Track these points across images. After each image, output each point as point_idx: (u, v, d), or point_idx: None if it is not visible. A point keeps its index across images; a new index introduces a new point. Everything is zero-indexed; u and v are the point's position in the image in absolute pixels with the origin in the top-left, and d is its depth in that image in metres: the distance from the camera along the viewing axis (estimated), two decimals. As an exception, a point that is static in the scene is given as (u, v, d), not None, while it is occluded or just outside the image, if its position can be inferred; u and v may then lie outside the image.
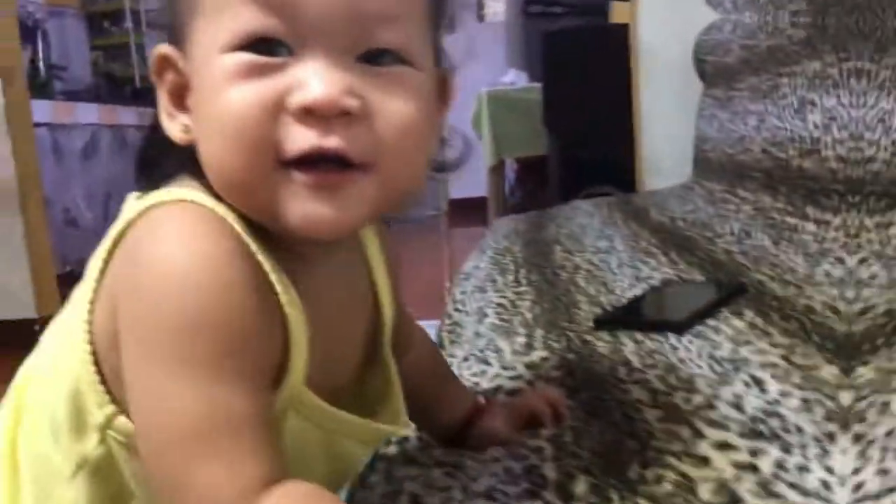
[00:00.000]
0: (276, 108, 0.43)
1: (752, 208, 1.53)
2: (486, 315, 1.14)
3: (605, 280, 1.20)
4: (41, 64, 4.19)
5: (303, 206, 0.44)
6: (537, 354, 0.86)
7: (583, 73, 3.27)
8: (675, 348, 0.84)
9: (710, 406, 0.67)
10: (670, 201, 1.94)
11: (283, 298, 0.45)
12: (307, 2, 0.43)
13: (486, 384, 0.81)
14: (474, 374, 0.83)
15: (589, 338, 0.91)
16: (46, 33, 4.26)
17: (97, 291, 0.48)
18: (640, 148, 2.57)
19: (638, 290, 1.11)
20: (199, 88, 0.46)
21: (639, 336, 0.89)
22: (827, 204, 1.27)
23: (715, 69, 2.15)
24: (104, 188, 4.50)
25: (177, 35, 0.49)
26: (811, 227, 1.28)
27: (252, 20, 0.43)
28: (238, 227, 0.45)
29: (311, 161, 0.44)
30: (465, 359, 0.89)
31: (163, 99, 0.49)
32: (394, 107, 0.45)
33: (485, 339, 0.99)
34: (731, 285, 1.04)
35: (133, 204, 0.49)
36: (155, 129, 0.51)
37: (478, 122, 3.85)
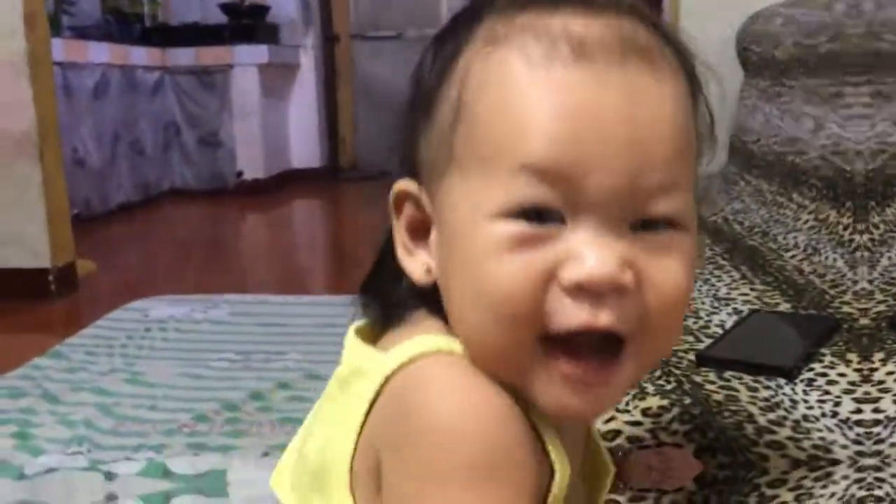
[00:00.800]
0: (547, 282, 0.42)
1: (814, 219, 1.53)
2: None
3: (685, 298, 1.20)
4: (50, -3, 4.08)
5: (559, 394, 0.44)
6: (653, 401, 0.87)
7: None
8: (793, 402, 0.84)
9: (859, 482, 0.68)
10: (713, 195, 1.94)
11: (553, 454, 0.45)
12: (589, 175, 0.41)
13: (604, 426, 0.81)
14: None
15: (698, 379, 0.91)
16: (54, -34, 4.15)
17: (361, 435, 0.47)
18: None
19: (723, 316, 1.12)
20: (458, 250, 0.45)
21: (747, 380, 0.90)
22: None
23: (761, 60, 2.13)
24: (113, 129, 4.44)
25: (418, 169, 0.48)
26: (887, 250, 1.28)
27: (528, 190, 0.42)
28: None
29: (577, 339, 0.43)
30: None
31: (400, 233, 0.48)
32: (665, 277, 0.44)
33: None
34: (825, 321, 1.04)
35: (364, 349, 0.49)
36: (384, 256, 0.51)
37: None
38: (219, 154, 5.10)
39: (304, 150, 5.72)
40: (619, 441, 0.79)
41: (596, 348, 0.43)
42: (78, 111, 4.02)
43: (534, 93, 0.42)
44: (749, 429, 0.79)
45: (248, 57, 4.97)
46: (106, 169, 4.35)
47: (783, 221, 1.59)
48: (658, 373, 0.94)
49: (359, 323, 0.52)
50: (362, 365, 0.48)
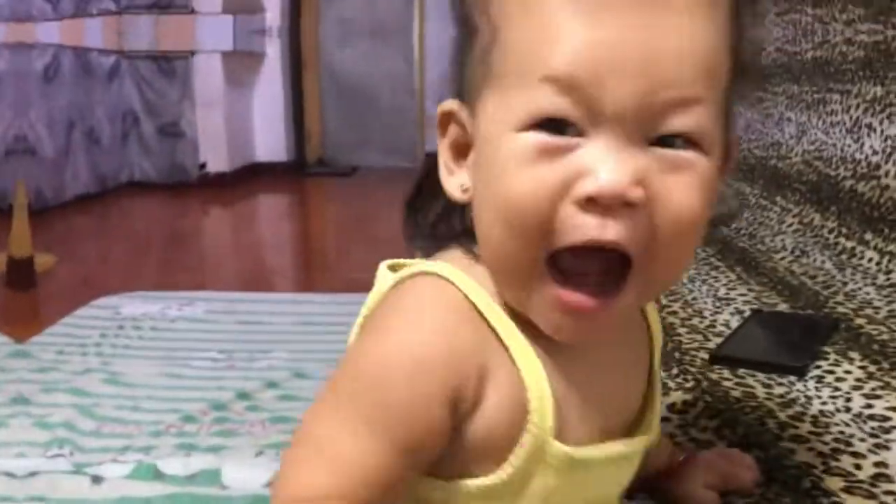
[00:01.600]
0: (561, 195, 0.43)
1: (799, 223, 1.58)
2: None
3: (686, 297, 1.24)
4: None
5: (556, 318, 0.46)
6: (677, 396, 0.90)
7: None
8: (808, 398, 0.88)
9: (886, 477, 0.72)
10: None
11: (521, 362, 0.48)
12: (607, 87, 0.42)
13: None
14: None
15: (714, 377, 0.95)
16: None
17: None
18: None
19: (726, 315, 1.16)
20: (486, 161, 0.47)
21: (761, 377, 0.93)
22: (891, 235, 1.33)
23: (739, 65, 2.19)
24: (67, 116, 4.33)
25: (464, 92, 0.50)
26: (872, 254, 1.33)
27: (548, 101, 0.43)
28: (485, 298, 0.48)
29: (583, 265, 0.45)
30: None
31: (444, 153, 0.51)
32: (678, 197, 0.44)
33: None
34: (825, 321, 1.09)
35: (386, 274, 0.54)
36: (427, 176, 0.54)
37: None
38: (180, 145, 5.00)
39: (270, 142, 5.65)
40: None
41: (600, 277, 0.45)
42: (27, 96, 3.91)
43: (558, 8, 0.43)
44: (771, 424, 0.82)
45: (211, 43, 4.89)
46: (60, 158, 4.23)
47: (769, 224, 1.64)
48: (675, 370, 0.97)
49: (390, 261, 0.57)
50: (378, 284, 0.54)
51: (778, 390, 0.90)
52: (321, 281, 3.23)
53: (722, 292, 1.25)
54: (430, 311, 0.48)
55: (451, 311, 0.48)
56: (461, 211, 0.53)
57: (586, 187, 0.43)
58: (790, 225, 1.59)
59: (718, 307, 1.19)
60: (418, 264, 0.52)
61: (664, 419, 0.85)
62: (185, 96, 4.92)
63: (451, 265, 0.50)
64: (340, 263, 3.57)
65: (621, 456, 0.53)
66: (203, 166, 5.02)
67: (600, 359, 0.51)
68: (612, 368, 0.53)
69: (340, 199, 5.10)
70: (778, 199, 1.71)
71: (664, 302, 1.23)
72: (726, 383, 0.92)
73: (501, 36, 0.45)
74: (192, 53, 4.89)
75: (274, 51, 5.55)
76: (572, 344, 0.48)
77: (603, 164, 0.42)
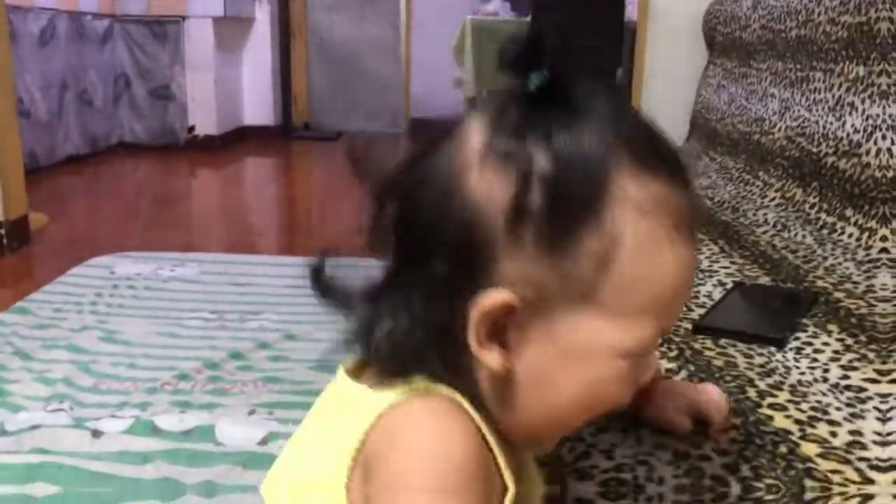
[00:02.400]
0: None
1: (781, 197, 1.62)
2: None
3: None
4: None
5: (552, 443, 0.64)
6: (661, 364, 0.94)
7: (573, 12, 3.30)
8: (787, 368, 0.93)
9: (860, 445, 0.76)
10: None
11: (506, 476, 0.55)
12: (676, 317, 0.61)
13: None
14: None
15: (697, 346, 0.99)
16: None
17: (356, 460, 0.55)
18: (637, 105, 2.64)
19: (709, 287, 1.20)
20: (579, 367, 0.54)
21: (742, 347, 0.98)
22: (870, 211, 1.37)
23: (728, 41, 2.22)
24: (61, 78, 4.34)
25: (498, 278, 0.52)
26: (852, 230, 1.38)
27: (652, 339, 0.54)
28: (483, 425, 0.55)
29: None
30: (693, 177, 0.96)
31: (480, 328, 0.53)
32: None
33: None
34: (804, 294, 1.13)
35: (376, 396, 0.56)
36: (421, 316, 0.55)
37: (459, 52, 3.85)
38: (170, 108, 5.02)
39: (258, 106, 5.66)
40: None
41: None
42: (23, 59, 3.92)
43: (670, 266, 0.53)
44: (751, 392, 0.86)
45: (202, 9, 4.88)
46: (53, 120, 4.26)
47: (751, 198, 1.68)
48: (659, 339, 1.02)
49: (347, 362, 0.60)
50: (357, 398, 0.57)
51: (758, 360, 0.94)
52: (305, 243, 3.27)
53: (705, 265, 1.29)
54: (460, 429, 0.53)
55: (471, 429, 0.54)
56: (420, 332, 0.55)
57: (647, 377, 0.59)
58: (772, 199, 1.63)
59: (702, 279, 1.23)
60: (417, 384, 0.55)
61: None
62: (176, 60, 4.93)
63: (447, 388, 0.55)
64: (325, 226, 3.61)
65: None
66: (192, 129, 5.03)
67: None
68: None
69: (325, 163, 5.12)
70: (761, 173, 1.75)
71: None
72: (708, 353, 0.97)
73: (621, 272, 0.51)
74: (184, 18, 4.89)
75: (264, 16, 5.54)
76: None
77: (655, 360, 0.62)
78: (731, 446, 0.76)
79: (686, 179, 0.53)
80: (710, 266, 1.29)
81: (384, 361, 0.56)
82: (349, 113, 6.14)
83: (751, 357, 0.95)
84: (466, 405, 0.54)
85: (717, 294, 1.16)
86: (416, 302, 0.53)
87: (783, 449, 0.76)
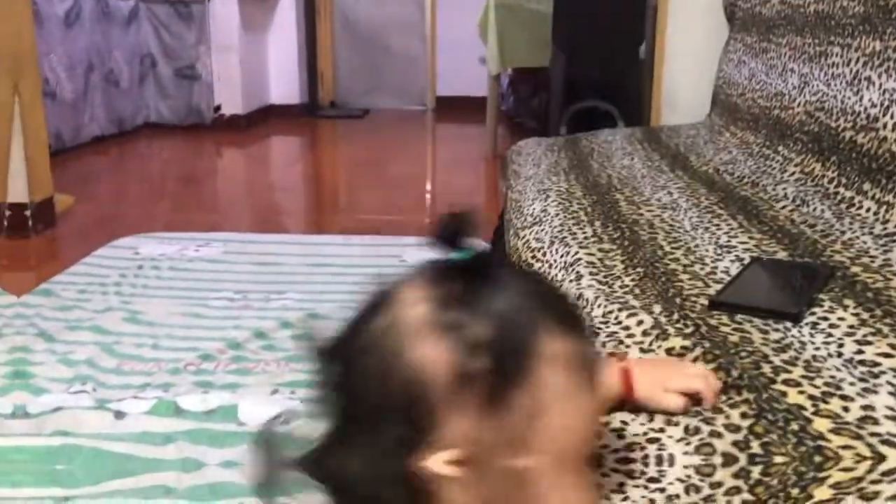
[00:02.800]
0: None
1: (800, 172, 1.61)
2: (580, 275, 1.21)
3: (688, 245, 1.28)
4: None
5: None
6: (676, 342, 0.94)
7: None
8: (802, 343, 0.92)
9: (872, 420, 0.76)
10: (701, 145, 2.01)
11: None
12: None
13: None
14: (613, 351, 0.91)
15: (713, 322, 0.99)
16: None
17: None
18: (659, 80, 2.62)
19: (727, 263, 1.19)
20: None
21: (758, 323, 0.98)
22: (888, 186, 1.35)
23: (748, 17, 2.19)
24: (86, 59, 4.37)
25: (449, 439, 0.57)
26: (870, 204, 1.36)
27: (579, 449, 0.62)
28: None
29: None
30: (603, 342, 0.97)
31: (426, 486, 0.58)
32: None
33: (600, 310, 1.07)
34: (822, 269, 1.13)
35: None
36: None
37: (484, 28, 3.83)
38: (196, 88, 5.04)
39: (283, 85, 5.67)
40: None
41: None
42: (49, 40, 3.95)
43: (587, 407, 0.60)
44: (766, 368, 0.86)
45: (227, -12, 4.89)
46: (79, 101, 4.29)
47: (771, 173, 1.67)
48: (676, 316, 1.02)
49: None
50: None
51: (774, 336, 0.94)
52: (332, 221, 3.29)
53: (723, 240, 1.29)
54: None
55: None
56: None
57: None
58: (791, 174, 1.62)
59: (719, 254, 1.23)
60: None
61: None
62: (201, 40, 4.95)
63: None
64: (351, 204, 3.62)
65: None
66: (218, 109, 5.05)
67: None
68: None
69: (351, 141, 5.12)
70: (780, 148, 1.74)
71: (667, 250, 1.27)
72: (724, 328, 0.97)
73: (546, 418, 0.57)
74: (209, -1, 4.91)
75: (289, -5, 5.55)
76: None
77: None
78: (743, 421, 0.77)
79: (591, 334, 0.66)
80: (729, 241, 1.29)
81: None
82: (375, 91, 6.15)
83: (766, 333, 0.95)
84: None
85: (735, 270, 1.16)
86: (368, 459, 0.59)
87: (794, 426, 0.76)
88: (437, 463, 0.57)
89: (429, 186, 4.05)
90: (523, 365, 0.57)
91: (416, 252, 2.36)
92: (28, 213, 2.83)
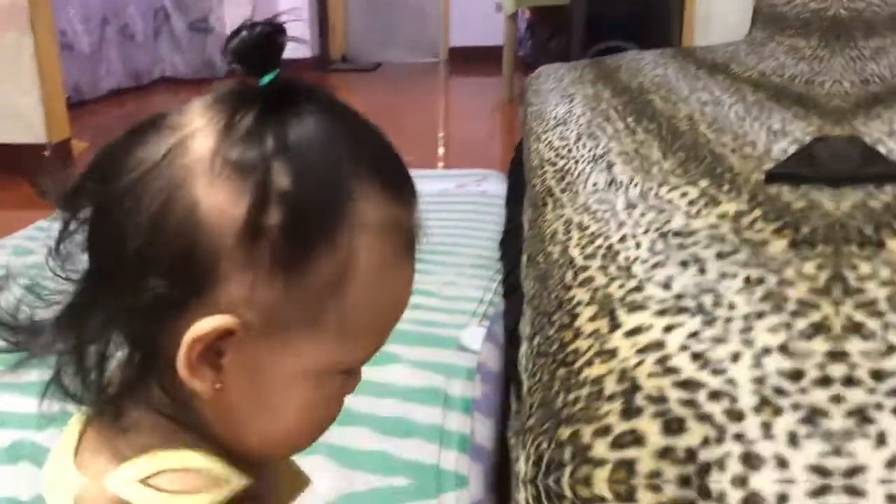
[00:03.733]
0: None
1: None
2: (612, 164, 1.07)
3: (737, 132, 1.14)
4: None
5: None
6: (730, 207, 0.80)
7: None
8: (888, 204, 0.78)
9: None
10: (742, 56, 1.85)
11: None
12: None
13: (676, 235, 0.75)
14: (660, 230, 0.77)
15: (772, 192, 0.85)
16: None
17: None
18: (692, 8, 2.47)
19: (784, 144, 1.05)
20: (293, 389, 0.49)
21: (829, 191, 0.83)
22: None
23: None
24: (101, 13, 4.28)
25: (256, 315, 0.46)
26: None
27: (375, 347, 0.50)
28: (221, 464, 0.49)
29: None
30: (643, 213, 0.83)
31: (189, 352, 0.46)
32: None
33: (637, 189, 0.93)
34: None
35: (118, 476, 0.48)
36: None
37: (502, -35, 3.68)
38: (209, 41, 4.94)
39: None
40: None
41: None
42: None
43: (399, 287, 0.51)
44: (851, 229, 0.72)
45: (238, -60, 4.77)
46: (95, 54, 4.22)
47: (828, 73, 1.51)
48: (726, 187, 0.88)
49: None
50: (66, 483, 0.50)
51: (847, 203, 0.80)
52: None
53: (777, 126, 1.14)
54: None
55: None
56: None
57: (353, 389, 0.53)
58: (855, 72, 1.46)
59: (774, 138, 1.08)
60: (167, 456, 0.48)
61: (712, 226, 0.76)
62: (213, -8, 4.85)
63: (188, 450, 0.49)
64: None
65: None
66: (232, 61, 4.95)
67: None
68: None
69: (364, 96, 4.97)
70: (837, 48, 1.58)
71: (711, 137, 1.12)
72: (788, 196, 0.82)
73: (349, 293, 0.48)
74: (221, -51, 4.78)
75: (300, -52, 5.41)
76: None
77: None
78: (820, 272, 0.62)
79: (415, 199, 0.51)
80: (784, 127, 1.14)
81: (94, 400, 0.49)
82: (387, 44, 5.99)
83: (839, 199, 0.81)
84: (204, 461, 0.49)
85: (794, 150, 1.02)
86: (123, 326, 0.47)
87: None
88: (204, 330, 0.45)
89: (441, 134, 3.91)
90: (327, 224, 0.46)
91: (427, 183, 2.24)
92: (46, 153, 2.78)
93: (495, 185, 2.28)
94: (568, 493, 0.49)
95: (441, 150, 3.55)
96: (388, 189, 0.49)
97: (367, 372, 0.54)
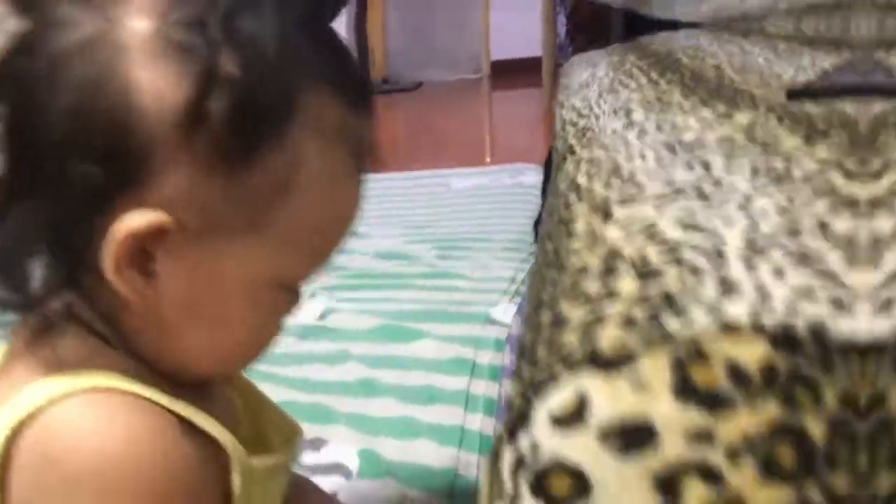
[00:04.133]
0: None
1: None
2: (630, 111, 1.03)
3: (763, 72, 1.08)
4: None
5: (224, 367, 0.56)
6: (743, 117, 0.76)
7: None
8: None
9: None
10: (778, 19, 1.79)
11: (213, 431, 0.47)
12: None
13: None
14: (668, 143, 0.73)
15: (794, 109, 0.80)
16: None
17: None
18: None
19: (811, 74, 0.99)
20: (234, 300, 0.47)
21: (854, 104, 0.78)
22: None
23: None
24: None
25: (192, 215, 0.43)
26: None
27: (318, 263, 0.49)
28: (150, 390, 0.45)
29: None
30: (654, 136, 0.79)
31: (117, 252, 0.42)
32: None
33: (652, 122, 0.89)
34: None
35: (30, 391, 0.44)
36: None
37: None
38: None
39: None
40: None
41: None
42: None
43: (346, 197, 0.49)
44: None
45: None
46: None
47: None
48: (744, 106, 0.83)
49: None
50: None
51: (872, 110, 0.74)
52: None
53: (806, 62, 1.09)
54: (136, 427, 0.44)
55: (155, 423, 0.45)
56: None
57: (298, 307, 0.53)
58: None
59: (802, 71, 1.03)
60: (78, 378, 0.44)
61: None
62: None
63: (113, 373, 0.45)
64: (410, 156, 3.47)
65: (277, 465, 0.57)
66: (273, 86, 5.00)
67: (213, 391, 0.55)
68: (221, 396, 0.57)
69: (406, 116, 4.96)
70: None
71: (734, 77, 1.08)
72: (808, 108, 0.77)
73: (296, 201, 0.45)
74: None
75: (337, -28, 5.46)
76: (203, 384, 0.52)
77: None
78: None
79: (370, 108, 0.49)
80: (813, 64, 1.08)
81: (19, 306, 0.46)
82: (427, 62, 6.01)
83: (868, 107, 0.75)
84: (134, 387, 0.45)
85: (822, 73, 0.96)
86: (45, 226, 0.43)
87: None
88: (134, 225, 0.42)
89: (486, 145, 3.89)
90: (277, 119, 0.43)
91: (463, 179, 2.20)
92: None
93: (531, 177, 2.24)
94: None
95: (487, 159, 3.52)
96: (344, 95, 0.46)
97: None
